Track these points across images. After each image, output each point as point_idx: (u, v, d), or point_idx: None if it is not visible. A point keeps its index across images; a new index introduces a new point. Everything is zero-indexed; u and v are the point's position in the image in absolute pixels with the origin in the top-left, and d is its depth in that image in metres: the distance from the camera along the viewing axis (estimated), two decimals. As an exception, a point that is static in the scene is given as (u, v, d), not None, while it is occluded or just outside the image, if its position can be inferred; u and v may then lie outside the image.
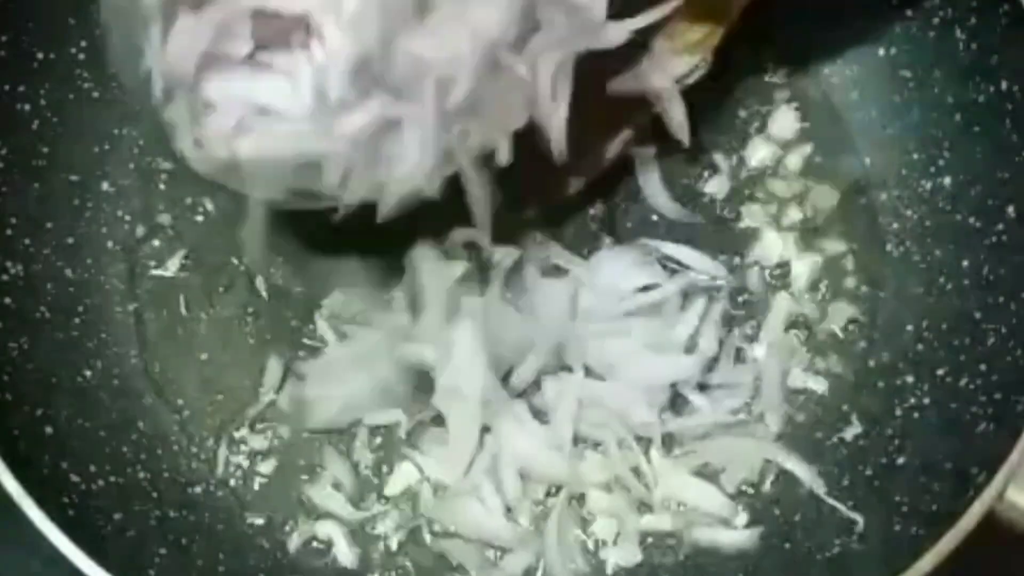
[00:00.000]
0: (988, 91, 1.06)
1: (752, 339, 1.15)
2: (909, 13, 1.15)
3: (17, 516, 0.93)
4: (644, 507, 1.09)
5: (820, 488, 1.07)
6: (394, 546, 1.09)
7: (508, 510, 1.07)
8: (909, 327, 1.12)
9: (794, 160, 1.23)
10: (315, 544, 1.10)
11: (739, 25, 1.14)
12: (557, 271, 1.15)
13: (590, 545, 1.09)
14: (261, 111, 0.92)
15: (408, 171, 0.93)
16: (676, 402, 1.11)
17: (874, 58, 1.19)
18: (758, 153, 1.23)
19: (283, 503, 1.11)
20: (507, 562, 1.07)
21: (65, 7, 1.16)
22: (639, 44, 1.07)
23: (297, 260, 1.18)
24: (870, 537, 1.01)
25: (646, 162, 1.19)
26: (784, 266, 1.18)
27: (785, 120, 1.24)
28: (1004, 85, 1.05)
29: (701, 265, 1.16)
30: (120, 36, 0.93)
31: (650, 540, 1.09)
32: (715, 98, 1.22)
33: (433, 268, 1.11)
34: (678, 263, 1.16)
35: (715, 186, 1.22)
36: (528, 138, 0.99)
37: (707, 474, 1.10)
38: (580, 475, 1.09)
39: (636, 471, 1.09)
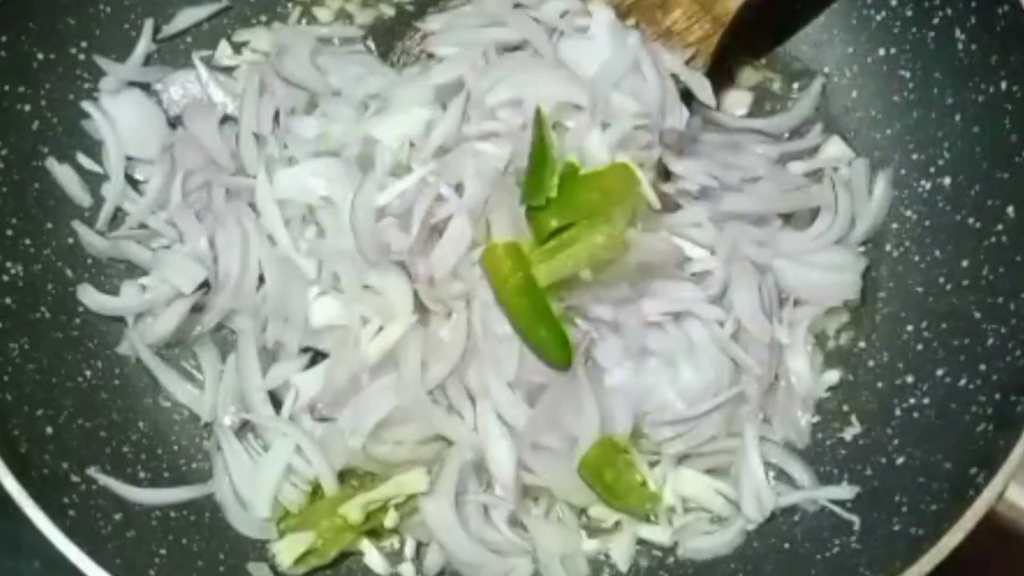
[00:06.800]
0: (988, 91, 1.07)
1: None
2: (909, 13, 1.15)
3: (17, 516, 0.93)
4: (647, 514, 1.09)
5: (819, 489, 1.07)
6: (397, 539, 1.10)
7: (513, 519, 1.07)
8: (909, 327, 1.12)
9: (794, 159, 1.23)
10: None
11: (737, 25, 1.14)
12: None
13: (592, 551, 1.09)
14: None
15: None
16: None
17: (874, 58, 1.19)
18: (758, 153, 1.23)
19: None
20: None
21: (65, 7, 1.16)
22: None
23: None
24: (870, 537, 1.01)
25: None
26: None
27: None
28: (1004, 85, 1.05)
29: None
30: None
31: (652, 545, 1.09)
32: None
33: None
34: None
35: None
36: None
37: (713, 474, 1.10)
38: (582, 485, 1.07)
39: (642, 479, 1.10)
